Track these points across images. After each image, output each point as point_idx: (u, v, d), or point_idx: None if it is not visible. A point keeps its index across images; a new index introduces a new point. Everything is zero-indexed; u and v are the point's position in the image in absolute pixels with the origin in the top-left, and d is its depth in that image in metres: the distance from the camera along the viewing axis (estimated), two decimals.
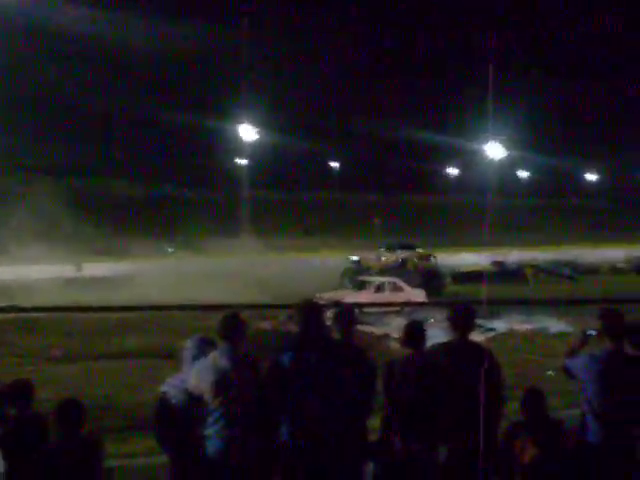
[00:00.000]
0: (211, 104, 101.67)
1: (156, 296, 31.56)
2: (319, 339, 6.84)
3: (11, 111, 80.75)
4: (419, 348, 7.22)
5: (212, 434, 6.50)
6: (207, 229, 73.53)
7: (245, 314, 7.00)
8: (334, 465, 6.65)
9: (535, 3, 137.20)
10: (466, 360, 7.15)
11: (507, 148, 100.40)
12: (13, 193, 69.83)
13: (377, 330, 23.37)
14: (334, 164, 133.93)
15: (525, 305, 27.52)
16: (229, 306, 7.63)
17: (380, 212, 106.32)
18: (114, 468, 7.26)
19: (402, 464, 6.71)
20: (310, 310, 6.91)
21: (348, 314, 7.42)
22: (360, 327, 12.12)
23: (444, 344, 7.37)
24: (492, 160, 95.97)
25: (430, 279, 43.93)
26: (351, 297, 32.55)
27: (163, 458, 7.01)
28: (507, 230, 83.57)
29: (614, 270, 63.67)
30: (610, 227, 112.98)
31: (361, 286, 37.34)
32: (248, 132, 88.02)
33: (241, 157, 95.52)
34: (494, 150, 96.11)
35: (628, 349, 6.88)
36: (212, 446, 6.49)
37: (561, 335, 23.07)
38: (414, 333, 7.29)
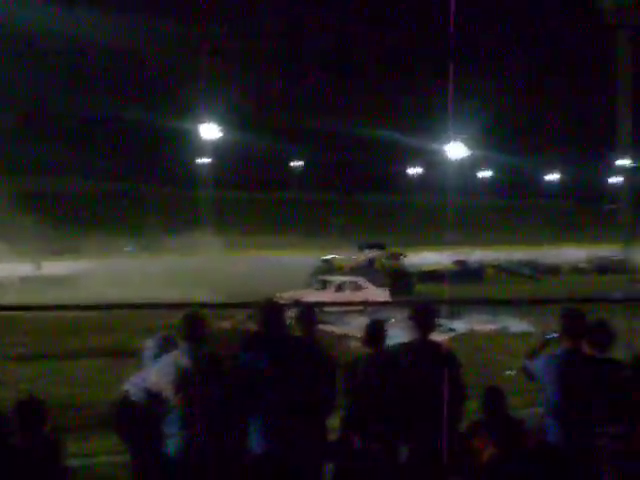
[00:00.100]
0: (173, 103, 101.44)
1: (113, 295, 31.41)
2: (279, 338, 6.85)
3: None
4: (380, 348, 7.25)
5: (172, 433, 6.46)
6: (168, 228, 73.15)
7: (206, 313, 6.98)
8: (295, 465, 6.66)
9: (497, 3, 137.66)
10: (427, 360, 7.18)
11: (469, 148, 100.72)
12: None
13: (338, 329, 23.37)
14: (296, 163, 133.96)
15: (487, 305, 27.60)
16: (190, 305, 7.63)
17: (342, 212, 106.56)
18: (75, 467, 7.23)
19: (362, 464, 6.73)
20: (270, 309, 6.92)
21: (309, 313, 7.43)
22: (321, 326, 12.12)
23: (405, 344, 7.37)
24: (454, 160, 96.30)
25: (398, 278, 44.12)
26: (312, 296, 32.56)
27: (125, 457, 6.99)
28: (469, 230, 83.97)
29: (576, 270, 64.26)
30: (572, 227, 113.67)
31: (323, 285, 37.43)
32: (210, 131, 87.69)
33: (203, 156, 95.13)
34: (456, 150, 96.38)
35: (586, 349, 6.93)
36: (172, 445, 6.46)
37: (522, 335, 23.16)
38: (375, 333, 7.32)
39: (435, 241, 70.15)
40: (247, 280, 37.94)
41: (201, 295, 31.46)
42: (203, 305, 8.49)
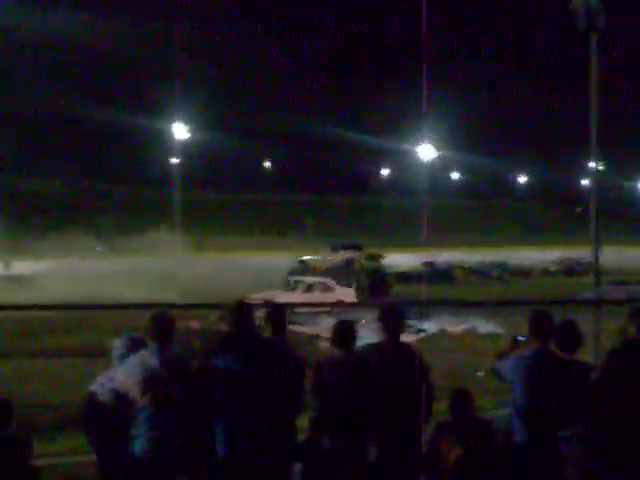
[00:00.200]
0: (143, 102, 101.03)
1: (80, 294, 31.23)
2: (250, 339, 6.85)
3: None
4: (349, 348, 7.24)
5: (138, 434, 6.44)
6: (137, 228, 72.83)
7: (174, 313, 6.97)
8: (263, 465, 6.65)
9: (467, 4, 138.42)
10: (396, 361, 7.20)
11: (439, 149, 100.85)
12: None
13: (307, 330, 23.37)
14: (267, 164, 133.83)
15: (456, 306, 27.64)
16: (159, 305, 7.61)
17: (313, 213, 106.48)
18: (41, 467, 7.18)
19: (331, 464, 6.72)
20: (240, 310, 6.91)
21: (279, 314, 7.43)
22: (291, 327, 12.11)
23: (374, 345, 7.39)
24: (424, 161, 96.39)
25: (378, 279, 44.20)
26: (282, 297, 32.53)
27: (91, 457, 6.96)
28: (439, 231, 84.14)
29: (545, 272, 64.52)
30: (542, 229, 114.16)
31: (294, 286, 37.46)
32: (180, 130, 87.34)
33: (173, 156, 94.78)
34: (426, 151, 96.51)
35: (555, 350, 6.97)
36: (138, 445, 6.43)
37: (490, 336, 23.24)
38: (344, 333, 7.31)
39: (406, 242, 70.20)
40: (213, 282, 37.87)
41: (167, 296, 31.34)
42: (172, 305, 8.46)
